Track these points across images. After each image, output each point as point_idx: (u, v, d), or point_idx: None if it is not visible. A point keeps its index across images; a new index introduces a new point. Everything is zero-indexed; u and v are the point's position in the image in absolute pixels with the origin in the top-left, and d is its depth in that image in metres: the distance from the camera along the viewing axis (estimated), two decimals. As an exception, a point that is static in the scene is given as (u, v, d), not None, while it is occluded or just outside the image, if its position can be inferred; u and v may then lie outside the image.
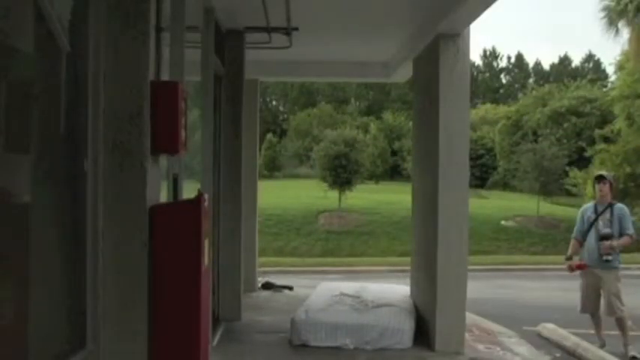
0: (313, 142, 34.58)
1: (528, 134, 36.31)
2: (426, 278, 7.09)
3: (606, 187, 7.67)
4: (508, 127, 39.12)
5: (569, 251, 7.85)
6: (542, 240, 21.89)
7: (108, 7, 3.43)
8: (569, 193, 27.71)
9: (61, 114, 3.31)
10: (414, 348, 6.55)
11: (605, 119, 31.14)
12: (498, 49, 65.59)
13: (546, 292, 12.92)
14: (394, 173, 42.44)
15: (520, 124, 38.59)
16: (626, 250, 8.43)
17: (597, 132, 28.28)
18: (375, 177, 37.33)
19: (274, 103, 57.92)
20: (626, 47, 23.05)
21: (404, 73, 9.37)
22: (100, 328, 3.41)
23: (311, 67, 10.16)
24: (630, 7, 21.21)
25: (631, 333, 7.52)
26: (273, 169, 41.31)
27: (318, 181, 24.78)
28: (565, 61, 62.43)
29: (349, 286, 8.36)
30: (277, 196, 24.35)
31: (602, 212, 7.58)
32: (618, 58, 25.65)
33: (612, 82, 35.38)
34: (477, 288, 10.61)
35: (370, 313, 6.87)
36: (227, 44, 7.57)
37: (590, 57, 60.63)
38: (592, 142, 28.58)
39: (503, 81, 64.67)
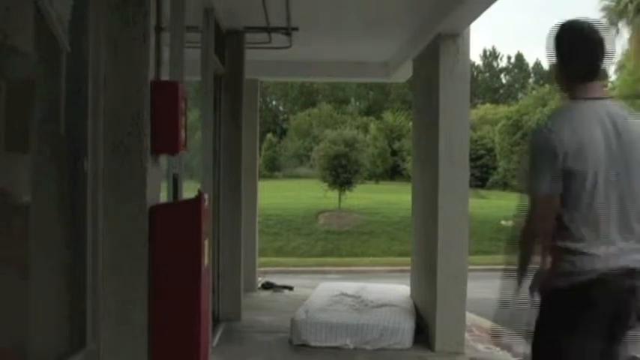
0: (313, 142, 34.59)
1: (528, 134, 36.29)
2: (426, 278, 7.09)
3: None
4: (508, 127, 39.11)
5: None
6: (542, 240, 21.89)
7: (108, 7, 3.43)
8: (569, 193, 27.71)
9: (61, 114, 3.32)
10: (414, 348, 6.54)
11: (605, 119, 31.13)
12: (498, 49, 65.69)
13: (546, 292, 12.89)
14: (394, 173, 42.42)
15: (520, 124, 38.58)
16: (626, 250, 8.41)
17: (597, 132, 28.27)
18: (375, 177, 37.35)
19: (274, 103, 57.90)
20: (626, 47, 23.06)
21: (404, 73, 9.37)
22: (100, 328, 3.41)
23: (311, 67, 10.16)
24: (630, 7, 21.23)
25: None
26: (273, 169, 41.32)
27: (318, 181, 24.79)
28: (565, 61, 62.38)
29: (349, 286, 8.36)
30: (277, 196, 24.36)
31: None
32: (619, 57, 25.66)
33: (612, 82, 35.36)
34: (477, 288, 10.60)
35: (370, 313, 6.87)
36: (227, 44, 7.57)
37: (590, 57, 60.59)
38: (592, 142, 28.57)
39: (503, 81, 64.62)
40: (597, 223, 2.71)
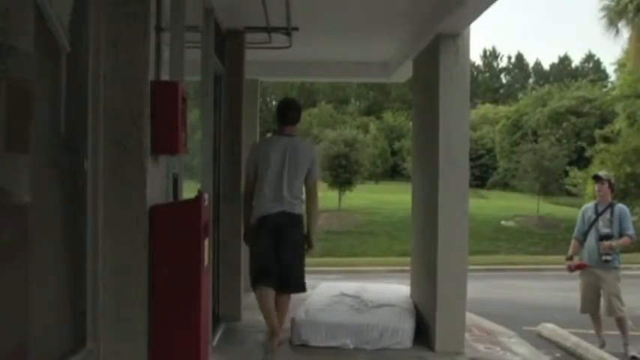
0: (313, 142, 34.58)
1: (528, 134, 36.36)
2: (426, 278, 7.09)
3: (605, 187, 7.68)
4: (508, 127, 39.16)
5: (570, 251, 7.86)
6: (542, 240, 21.91)
7: (108, 7, 3.43)
8: (569, 193, 27.75)
9: (61, 114, 3.32)
10: (414, 348, 6.54)
11: (604, 119, 31.18)
12: (498, 49, 65.65)
13: (546, 292, 12.92)
14: (394, 173, 42.46)
15: (520, 124, 38.62)
16: (626, 250, 8.44)
17: (597, 132, 28.30)
18: (375, 177, 37.36)
19: (274, 103, 57.90)
20: (626, 47, 23.07)
21: (404, 73, 9.36)
22: (100, 328, 3.41)
23: (311, 67, 10.14)
24: (630, 6, 21.24)
25: (631, 333, 7.53)
26: (273, 169, 41.22)
27: (318, 180, 24.76)
28: (565, 61, 62.45)
29: (349, 286, 8.35)
30: (277, 196, 24.30)
31: (603, 212, 7.59)
32: (619, 57, 25.68)
33: (612, 82, 35.41)
34: (477, 288, 10.61)
35: (370, 313, 6.87)
36: (227, 44, 7.56)
37: (590, 57, 60.66)
38: (592, 142, 28.59)
39: (503, 81, 64.66)
40: (266, 191, 5.95)
